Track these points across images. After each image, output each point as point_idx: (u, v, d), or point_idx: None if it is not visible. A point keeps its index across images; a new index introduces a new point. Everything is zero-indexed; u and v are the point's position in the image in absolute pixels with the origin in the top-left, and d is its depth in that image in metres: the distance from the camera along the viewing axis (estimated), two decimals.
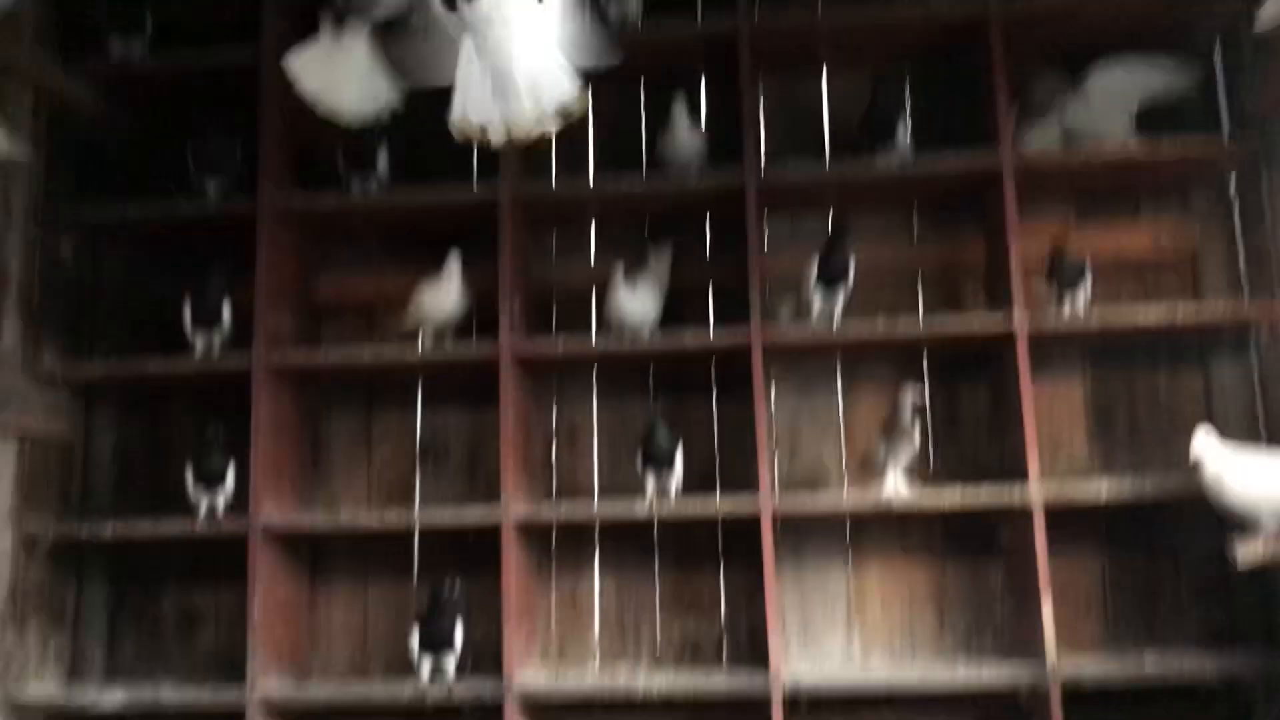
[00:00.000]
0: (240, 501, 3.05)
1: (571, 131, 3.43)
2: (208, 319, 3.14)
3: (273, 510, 3.08)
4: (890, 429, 2.95)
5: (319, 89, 2.92)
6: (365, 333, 3.45)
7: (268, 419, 3.10)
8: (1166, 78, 3.11)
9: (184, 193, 3.25)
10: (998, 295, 3.13)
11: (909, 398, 2.93)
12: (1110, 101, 3.09)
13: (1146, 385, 3.25)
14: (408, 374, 3.38)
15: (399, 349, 3.18)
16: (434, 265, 3.19)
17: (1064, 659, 2.85)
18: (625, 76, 3.45)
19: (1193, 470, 2.69)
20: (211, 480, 3.04)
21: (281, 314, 3.21)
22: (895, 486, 2.95)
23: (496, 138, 2.36)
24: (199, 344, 3.15)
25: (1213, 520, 2.76)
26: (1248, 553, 2.60)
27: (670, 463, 2.98)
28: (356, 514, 3.29)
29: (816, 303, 3.07)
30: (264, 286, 3.13)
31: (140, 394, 3.44)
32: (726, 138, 3.22)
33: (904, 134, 3.17)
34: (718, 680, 2.99)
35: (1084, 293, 3.03)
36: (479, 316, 3.25)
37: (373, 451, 3.43)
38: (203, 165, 3.24)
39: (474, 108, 2.34)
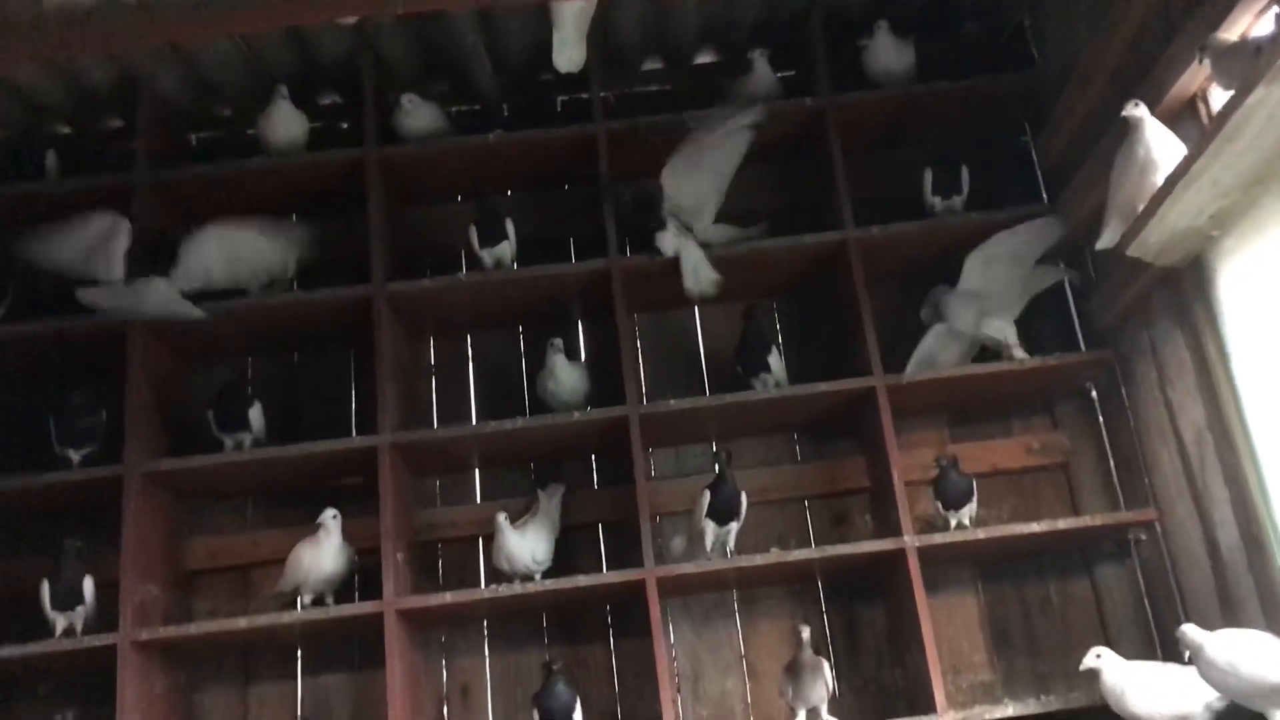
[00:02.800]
0: None
1: (452, 376, 3.49)
2: (68, 602, 2.94)
3: None
4: (795, 670, 2.88)
5: None
6: (240, 597, 3.28)
7: (135, 700, 2.88)
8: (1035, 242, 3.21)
9: (46, 464, 3.11)
10: (884, 513, 3.15)
11: (804, 636, 2.87)
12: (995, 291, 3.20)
13: (1038, 596, 3.27)
14: (286, 640, 3.20)
15: (275, 614, 3.02)
16: (312, 522, 3.08)
17: None
18: (504, 319, 3.51)
19: (1094, 683, 2.68)
20: None
21: (149, 584, 3.04)
22: None
23: None
24: (59, 626, 2.95)
25: None
26: None
27: None
28: None
29: (709, 536, 3.04)
30: (131, 557, 2.97)
31: None
32: (606, 375, 3.25)
33: (778, 362, 3.25)
34: None
35: (970, 510, 3.07)
36: (361, 572, 3.13)
37: None
38: (66, 439, 3.12)
39: None
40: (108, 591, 2.97)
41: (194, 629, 3.01)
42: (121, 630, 2.90)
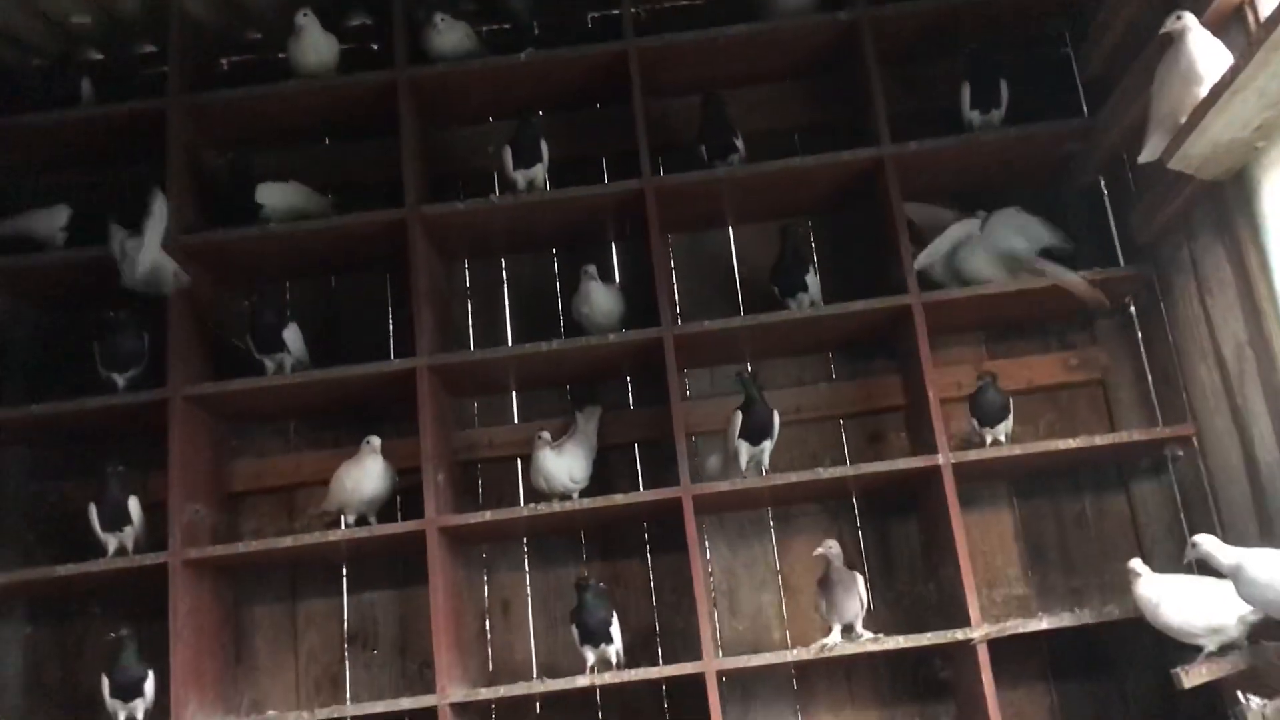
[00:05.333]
0: (160, 704, 2.90)
1: (487, 299, 3.52)
2: (116, 522, 3.03)
3: (196, 712, 2.93)
4: (828, 585, 2.92)
5: None
6: (284, 517, 3.36)
7: (186, 616, 2.97)
8: (1049, 235, 3.22)
9: (92, 389, 3.17)
10: (919, 431, 3.16)
11: (831, 552, 2.91)
12: (1001, 250, 3.20)
13: (1073, 511, 3.29)
14: (332, 558, 3.28)
15: (321, 533, 3.09)
16: (354, 444, 3.15)
17: None
18: (537, 241, 3.51)
19: (1128, 596, 2.71)
20: (129, 693, 2.89)
21: (197, 505, 3.12)
22: (836, 637, 2.91)
23: None
24: (110, 546, 3.04)
25: (1153, 640, 2.79)
26: (1191, 676, 2.60)
27: (607, 636, 2.91)
28: (285, 709, 3.14)
29: (742, 455, 3.06)
30: (178, 478, 3.04)
31: (50, 602, 3.29)
32: (641, 296, 3.26)
33: (815, 281, 3.24)
34: None
35: (1006, 427, 3.07)
36: (403, 491, 3.19)
37: (299, 641, 3.29)
38: (110, 363, 3.17)
39: None
40: (157, 512, 3.05)
41: (242, 547, 3.08)
42: (171, 549, 2.98)
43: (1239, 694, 2.47)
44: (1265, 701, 2.41)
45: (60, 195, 3.39)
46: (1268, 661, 2.51)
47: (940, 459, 2.97)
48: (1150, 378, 3.27)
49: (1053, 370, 3.35)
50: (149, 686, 2.91)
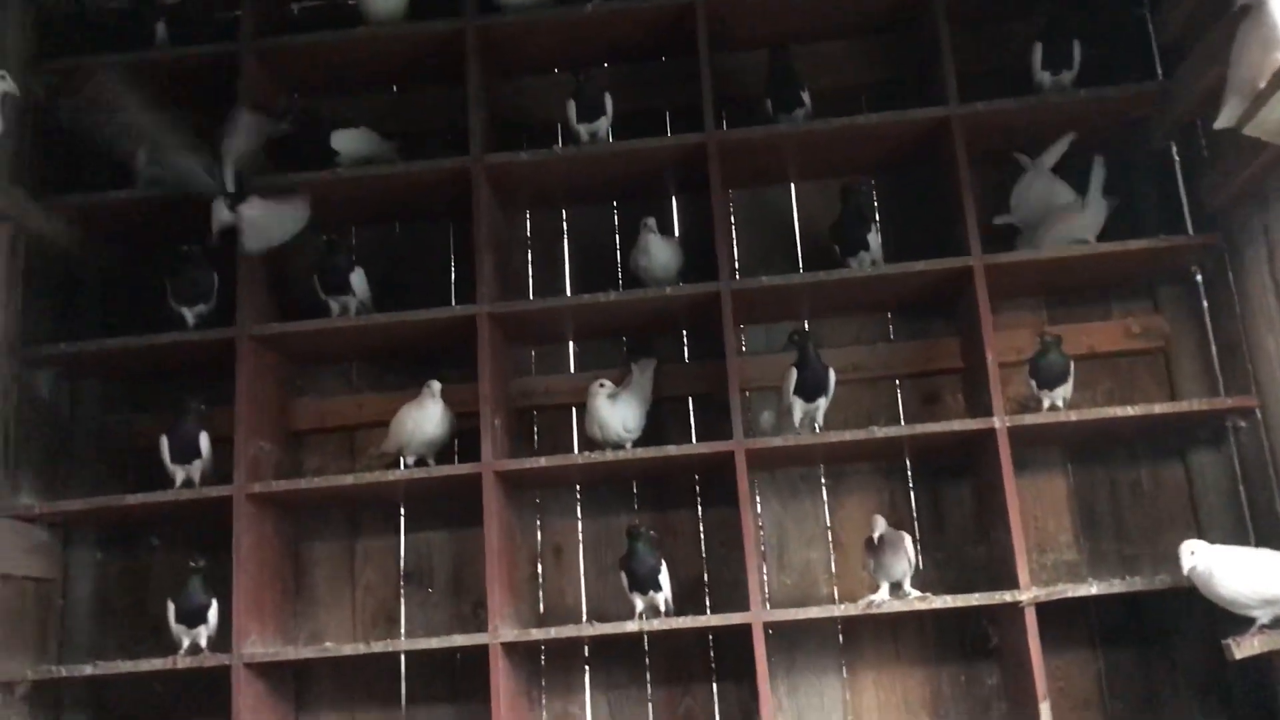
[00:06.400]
0: (222, 633, 3.01)
1: (547, 249, 3.55)
2: (186, 455, 3.12)
3: (256, 641, 3.03)
4: (876, 544, 2.93)
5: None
6: (346, 456, 3.44)
7: (250, 548, 3.06)
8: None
9: (162, 324, 3.25)
10: (976, 393, 3.15)
11: (878, 528, 2.92)
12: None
13: (1129, 479, 3.26)
14: (390, 497, 3.35)
15: (381, 473, 3.16)
16: (415, 387, 3.20)
17: None
18: (598, 193, 3.53)
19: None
20: (193, 620, 3.00)
21: (261, 441, 3.20)
22: (883, 594, 2.92)
23: None
24: (179, 478, 3.13)
25: (1205, 610, 2.76)
26: (1243, 647, 2.59)
27: (656, 584, 2.95)
28: (341, 642, 3.23)
29: (796, 412, 3.08)
30: (244, 415, 3.12)
31: (120, 530, 3.40)
32: (700, 249, 3.27)
33: (876, 240, 3.23)
34: None
35: (1065, 391, 3.05)
36: (461, 435, 3.25)
37: (356, 577, 3.38)
38: (181, 297, 3.26)
39: None
40: (222, 447, 3.14)
41: (304, 484, 3.16)
42: (236, 482, 3.06)
43: None
44: None
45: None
46: None
47: (996, 422, 2.96)
48: (1214, 347, 3.22)
49: (1114, 337, 3.31)
50: (212, 615, 3.01)
